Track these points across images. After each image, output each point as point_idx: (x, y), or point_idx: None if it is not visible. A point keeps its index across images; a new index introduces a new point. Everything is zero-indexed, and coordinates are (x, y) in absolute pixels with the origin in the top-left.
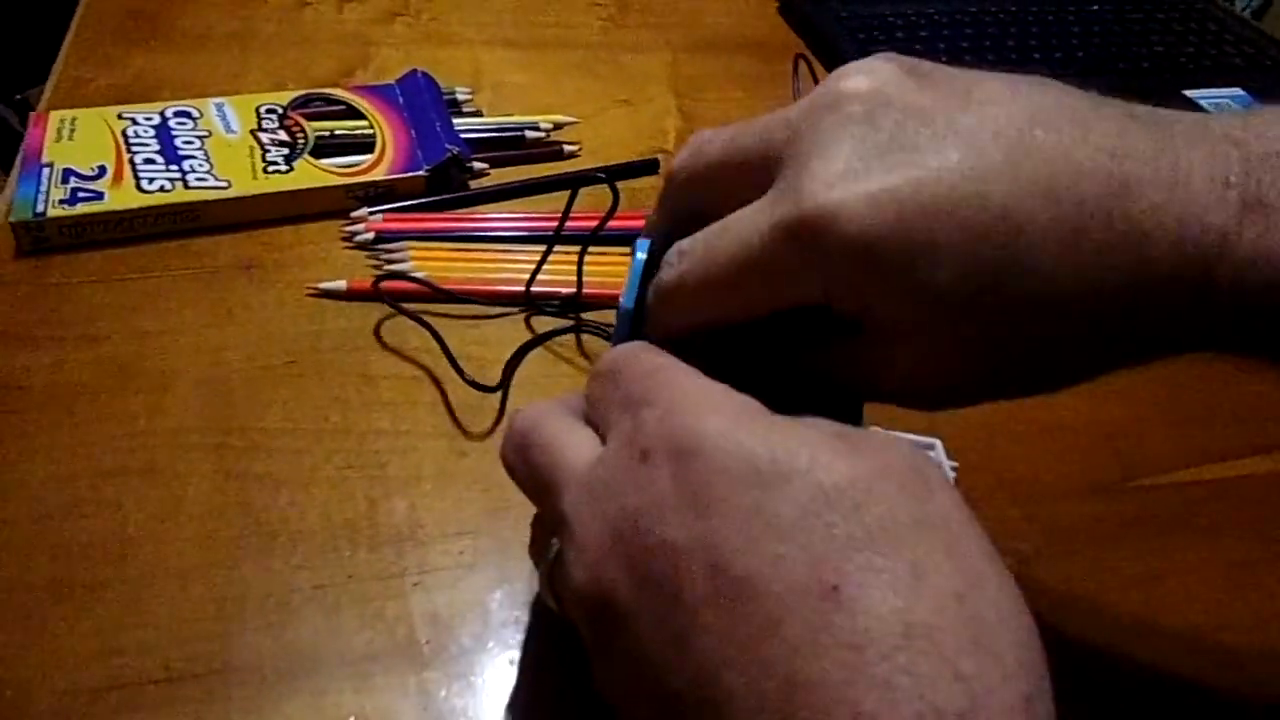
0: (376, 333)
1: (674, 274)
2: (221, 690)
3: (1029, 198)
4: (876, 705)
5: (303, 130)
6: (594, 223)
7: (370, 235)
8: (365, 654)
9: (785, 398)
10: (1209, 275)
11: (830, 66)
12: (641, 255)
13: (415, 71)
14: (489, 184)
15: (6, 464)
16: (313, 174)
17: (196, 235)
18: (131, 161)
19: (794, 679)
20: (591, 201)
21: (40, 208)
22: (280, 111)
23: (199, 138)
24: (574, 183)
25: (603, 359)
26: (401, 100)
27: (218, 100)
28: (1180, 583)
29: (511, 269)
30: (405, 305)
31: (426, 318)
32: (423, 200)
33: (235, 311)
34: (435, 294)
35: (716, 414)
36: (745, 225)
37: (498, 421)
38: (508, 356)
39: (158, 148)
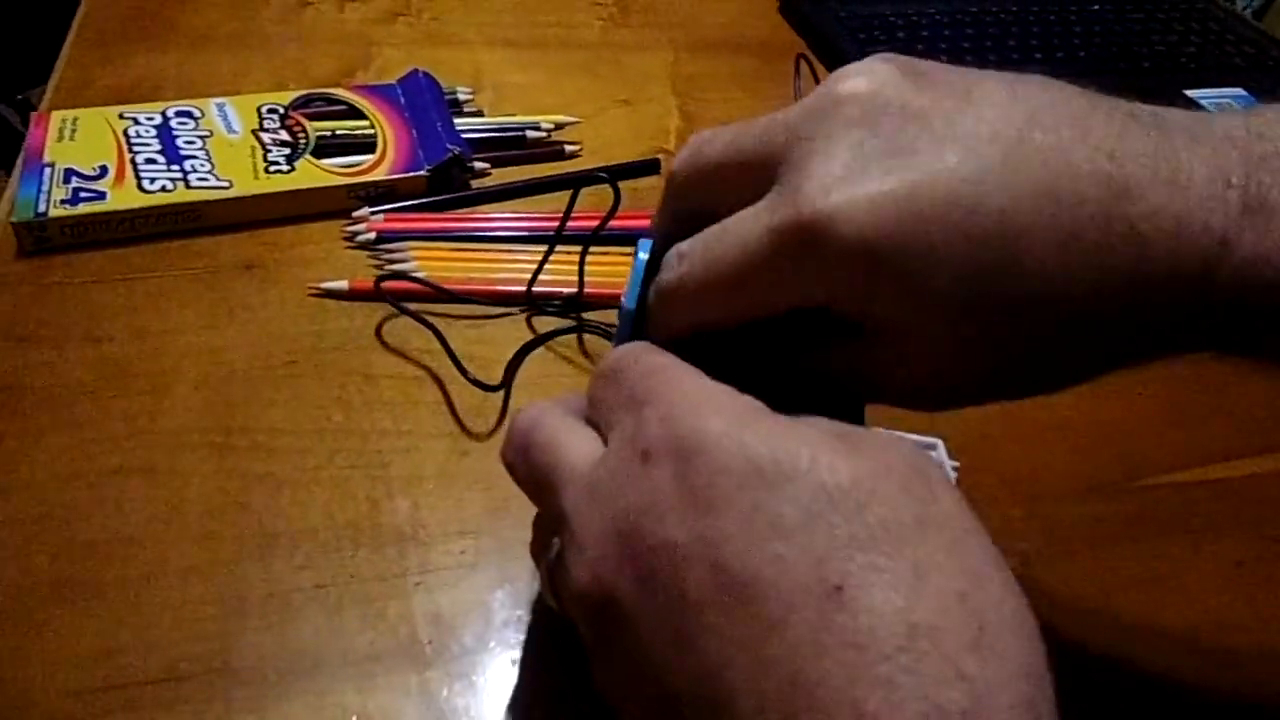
0: (378, 333)
1: (674, 276)
2: (223, 690)
3: (1027, 201)
4: (879, 705)
5: (304, 130)
6: (595, 222)
7: (372, 235)
8: (367, 654)
9: (787, 397)
10: (1209, 277)
11: (831, 66)
12: (643, 255)
13: (416, 71)
14: (490, 184)
15: (8, 463)
16: (314, 174)
17: (198, 235)
18: (133, 161)
19: (796, 679)
20: (593, 201)
21: (42, 208)
22: (281, 111)
23: (200, 138)
24: (575, 182)
25: (605, 359)
26: (403, 100)
27: (219, 100)
28: (1181, 582)
29: (513, 269)
30: (407, 305)
31: (428, 318)
32: (424, 200)
33: (237, 311)
34: (437, 294)
35: (718, 414)
36: (744, 228)
37: (499, 421)
38: (509, 356)
39: (159, 148)
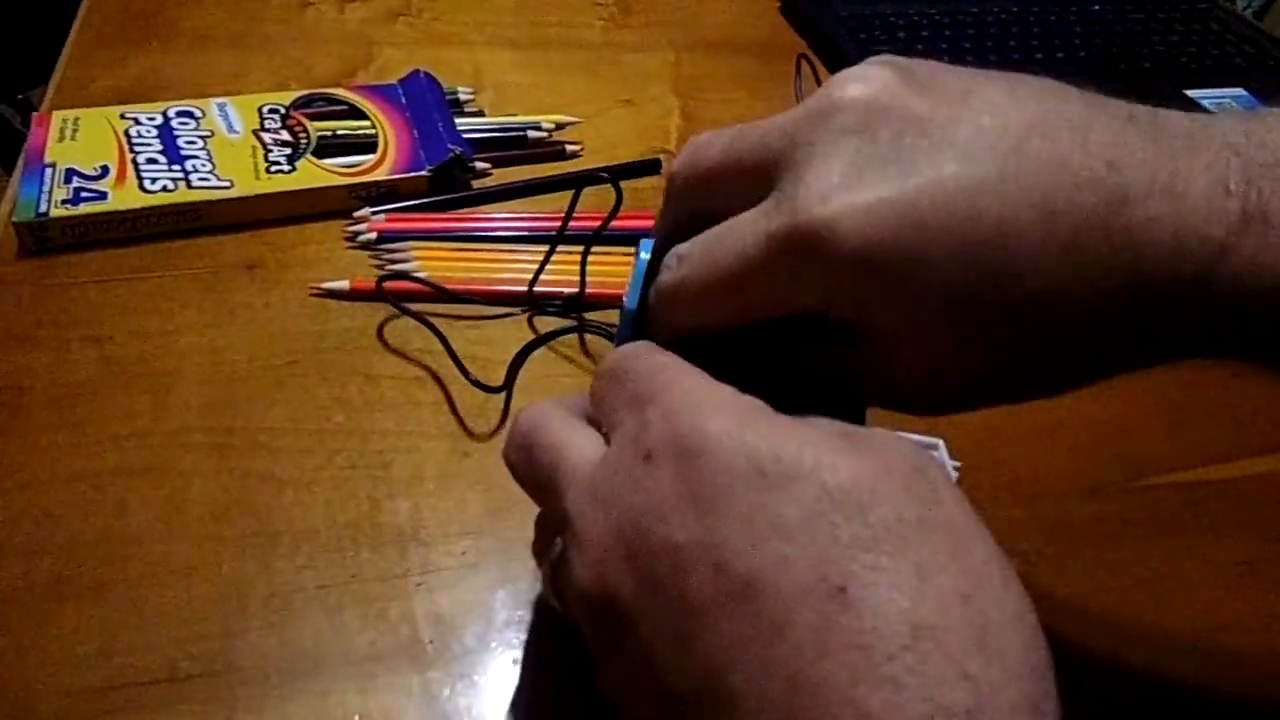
0: (379, 333)
1: (672, 278)
2: (225, 690)
3: (1024, 210)
4: (883, 706)
5: (305, 130)
6: (596, 223)
7: (373, 235)
8: (369, 654)
9: (789, 396)
10: (1206, 285)
11: (832, 66)
12: (645, 255)
13: (417, 71)
14: (491, 184)
15: (9, 464)
16: (315, 174)
17: (199, 235)
18: (134, 161)
19: (799, 679)
20: (594, 201)
21: (43, 208)
22: (283, 111)
23: (201, 138)
24: (577, 182)
25: (607, 358)
26: (404, 100)
27: (220, 100)
28: (1182, 583)
29: (514, 269)
30: (408, 305)
31: (429, 318)
32: (425, 200)
33: (238, 311)
34: (438, 294)
35: (720, 414)
36: (742, 233)
37: (501, 422)
38: (510, 357)
39: (160, 148)
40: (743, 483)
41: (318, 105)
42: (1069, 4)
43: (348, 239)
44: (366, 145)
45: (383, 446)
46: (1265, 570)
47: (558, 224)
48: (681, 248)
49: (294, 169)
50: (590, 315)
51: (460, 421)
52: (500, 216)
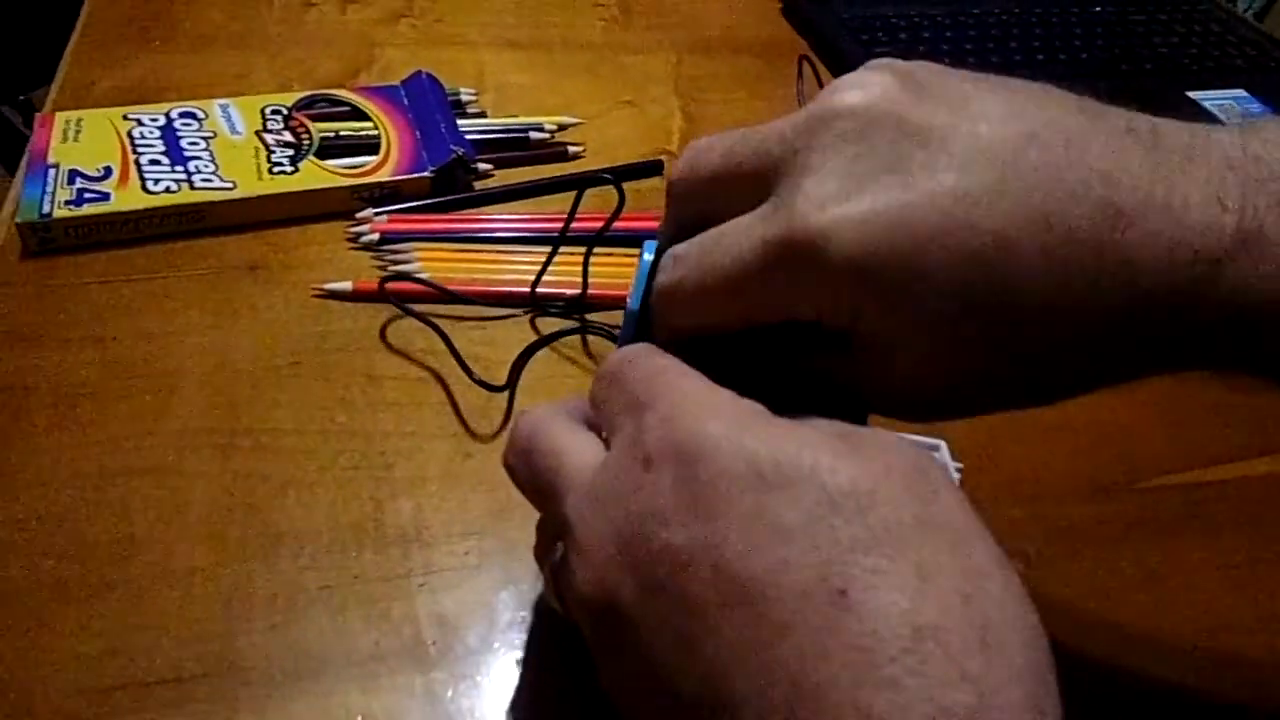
0: (382, 334)
1: (668, 280)
2: (228, 691)
3: (1019, 223)
4: (885, 707)
5: (308, 131)
6: (598, 224)
7: (375, 236)
8: (371, 654)
9: (789, 397)
10: (1200, 300)
11: (833, 68)
12: (648, 257)
13: (420, 72)
14: (494, 185)
15: (12, 464)
16: (318, 175)
17: (202, 236)
18: (137, 162)
19: (802, 682)
20: (596, 202)
21: (46, 209)
22: (285, 112)
23: (204, 139)
24: (579, 184)
25: (607, 361)
26: (406, 101)
27: (223, 101)
28: (1183, 583)
29: (516, 270)
30: (410, 306)
31: (432, 319)
32: (428, 201)
33: (241, 312)
34: (440, 295)
35: (718, 418)
36: (739, 238)
37: (503, 423)
38: (513, 358)
39: (163, 149)
40: (742, 486)
41: (320, 106)
42: (1070, 5)
43: (350, 240)
44: (369, 146)
45: (385, 447)
46: (1265, 571)
47: (560, 225)
48: (679, 248)
49: (297, 170)
50: (592, 316)
51: (463, 422)
52: (502, 217)
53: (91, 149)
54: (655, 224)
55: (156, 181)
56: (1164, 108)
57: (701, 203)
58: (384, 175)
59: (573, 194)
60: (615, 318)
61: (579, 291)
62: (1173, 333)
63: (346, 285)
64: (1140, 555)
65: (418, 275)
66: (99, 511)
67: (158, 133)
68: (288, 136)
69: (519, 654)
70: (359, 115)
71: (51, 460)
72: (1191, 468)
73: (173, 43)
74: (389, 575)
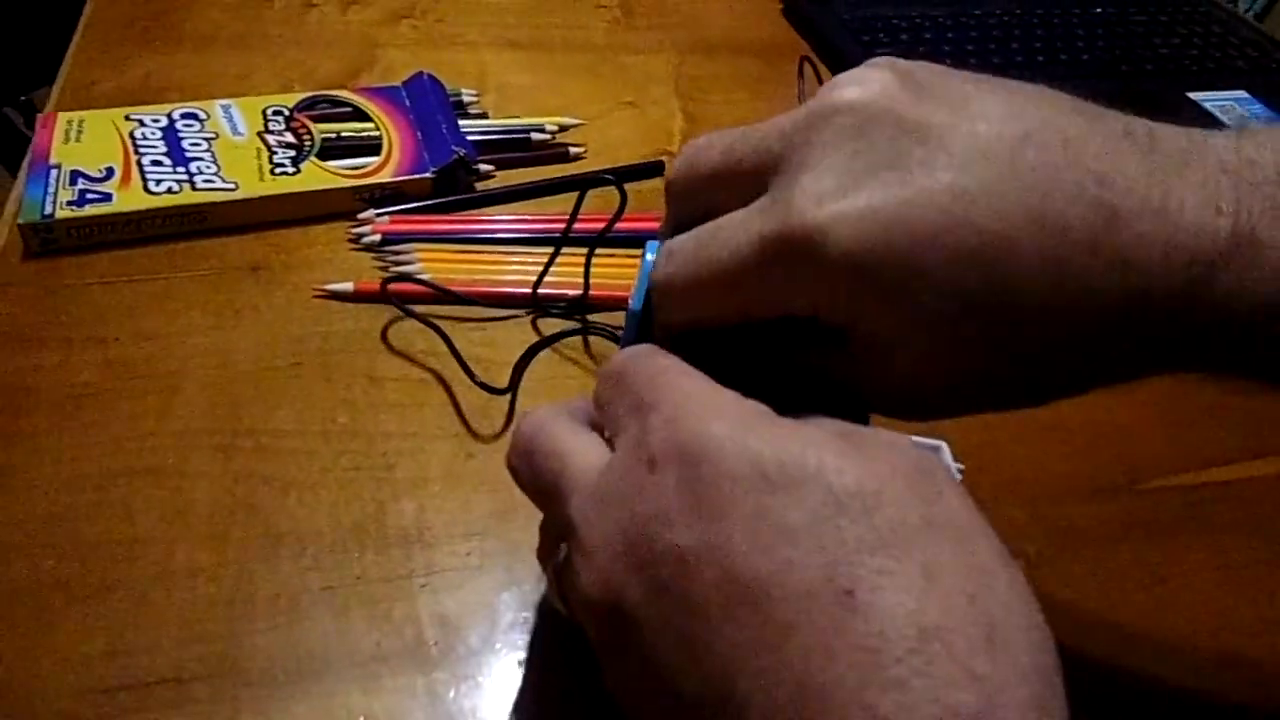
0: (383, 335)
1: (663, 273)
2: (230, 691)
3: (1015, 222)
4: (893, 708)
5: (309, 132)
6: (600, 225)
7: (377, 237)
8: (373, 655)
9: (792, 397)
10: (1195, 302)
11: (834, 69)
12: (650, 257)
13: (421, 73)
14: (495, 186)
15: (14, 465)
16: (319, 176)
17: (204, 237)
18: (139, 163)
19: (808, 683)
20: (597, 203)
21: (48, 209)
22: (287, 113)
23: (206, 139)
24: (581, 184)
25: (610, 361)
26: (408, 102)
27: (224, 102)
28: (1184, 584)
29: (518, 271)
30: (412, 307)
31: (433, 320)
32: (429, 202)
33: (243, 313)
34: (442, 296)
35: (722, 419)
36: (734, 232)
37: (505, 423)
38: (514, 359)
39: (165, 149)
40: (747, 487)
41: (322, 107)
42: (1071, 6)
43: (352, 241)
44: (371, 147)
45: (387, 448)
46: (1265, 572)
47: (562, 226)
48: (674, 242)
49: (298, 171)
50: (594, 317)
51: (465, 423)
52: (504, 218)
53: (93, 149)
54: (657, 225)
55: (158, 182)
56: (1164, 109)
57: (701, 201)
58: (385, 176)
59: (574, 195)
60: (617, 319)
61: (581, 292)
62: (1168, 334)
63: (348, 286)
64: (1140, 556)
65: (419, 276)
66: (101, 512)
67: (159, 133)
68: (289, 137)
69: (521, 655)
70: (360, 116)
71: (53, 461)
72: (1192, 468)
73: (174, 43)
74: (391, 576)
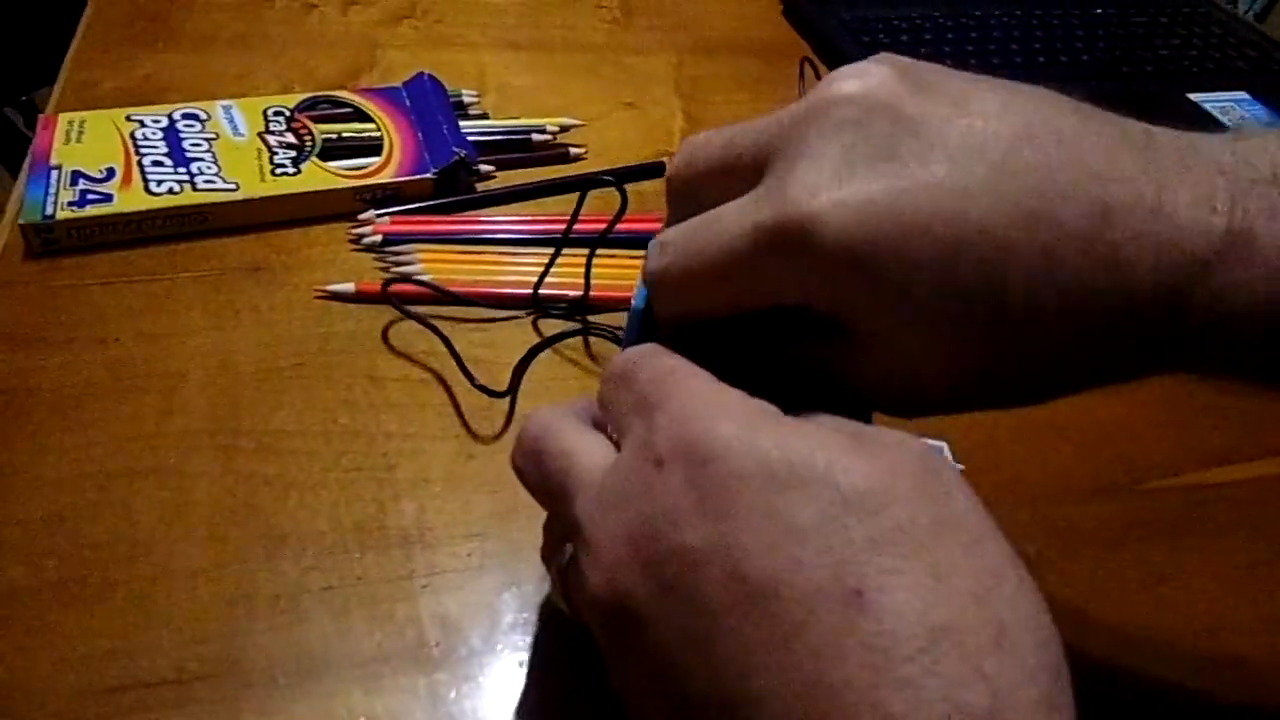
0: (384, 335)
1: (657, 265)
2: (231, 692)
3: (1009, 218)
4: (903, 707)
5: (310, 133)
6: (601, 225)
7: (378, 238)
8: (374, 656)
9: (796, 395)
10: (1189, 302)
11: (835, 69)
12: None
13: (422, 74)
14: (496, 187)
15: (15, 465)
16: (320, 176)
17: (205, 237)
18: (140, 164)
19: (818, 682)
20: (598, 204)
21: (49, 210)
22: (287, 114)
23: (207, 140)
24: (582, 185)
25: (615, 361)
26: (408, 103)
27: (225, 103)
28: (1185, 585)
29: (519, 272)
30: (412, 308)
31: (434, 320)
32: (430, 203)
33: (243, 313)
34: (442, 297)
35: (729, 418)
36: (728, 222)
37: (506, 424)
38: (515, 360)
39: (166, 150)
40: (755, 487)
41: (322, 108)
42: (1071, 7)
43: (352, 241)
44: (371, 148)
45: (388, 449)
46: (1266, 572)
47: (562, 227)
48: (666, 234)
49: (299, 171)
50: (595, 318)
51: (465, 424)
52: (505, 219)
53: (94, 150)
54: (658, 225)
55: (159, 183)
56: (1165, 110)
57: (701, 196)
58: (386, 177)
59: (575, 196)
60: (618, 320)
61: (581, 293)
62: (1163, 333)
63: (349, 287)
64: (1140, 556)
65: (420, 277)
66: (101, 512)
67: (160, 134)
68: (290, 138)
69: (522, 655)
70: (361, 117)
71: (54, 461)
72: (1193, 470)
73: (175, 44)
74: (392, 576)
